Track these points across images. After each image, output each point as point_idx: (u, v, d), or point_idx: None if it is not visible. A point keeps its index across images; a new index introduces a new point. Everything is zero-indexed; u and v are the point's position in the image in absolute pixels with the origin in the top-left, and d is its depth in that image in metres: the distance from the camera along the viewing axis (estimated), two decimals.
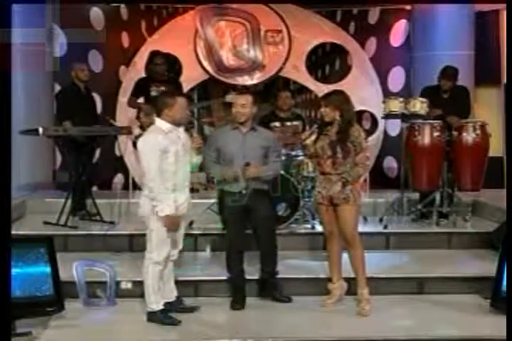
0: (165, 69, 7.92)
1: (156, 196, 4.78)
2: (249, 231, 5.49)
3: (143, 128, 7.68)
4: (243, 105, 5.26)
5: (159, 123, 4.92)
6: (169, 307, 5.04)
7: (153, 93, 7.62)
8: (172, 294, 5.14)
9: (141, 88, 7.89)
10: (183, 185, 4.97)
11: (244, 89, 7.01)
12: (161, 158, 4.79)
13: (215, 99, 9.78)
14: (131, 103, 8.01)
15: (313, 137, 5.15)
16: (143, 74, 8.80)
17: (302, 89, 9.92)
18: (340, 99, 5.15)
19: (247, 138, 5.32)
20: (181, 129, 5.01)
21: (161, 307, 4.97)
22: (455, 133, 6.91)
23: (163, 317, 4.94)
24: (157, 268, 4.92)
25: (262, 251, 5.44)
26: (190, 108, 7.87)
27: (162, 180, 4.80)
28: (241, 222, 5.37)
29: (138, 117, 7.91)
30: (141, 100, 7.92)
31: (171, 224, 4.84)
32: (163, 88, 7.65)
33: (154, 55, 8.08)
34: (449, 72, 7.10)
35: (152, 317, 4.96)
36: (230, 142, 5.31)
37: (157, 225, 4.86)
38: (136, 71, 8.93)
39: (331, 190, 5.11)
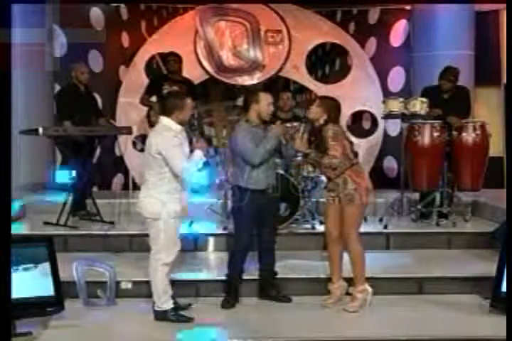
0: (178, 67, 7.93)
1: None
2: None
3: (153, 127, 7.67)
4: (273, 103, 5.29)
5: (169, 123, 4.91)
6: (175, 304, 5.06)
7: (166, 92, 7.62)
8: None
9: (154, 86, 7.90)
10: (187, 185, 5.01)
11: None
12: None
13: (218, 103, 9.79)
14: (144, 101, 8.02)
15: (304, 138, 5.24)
16: (143, 74, 8.82)
17: (302, 89, 9.92)
18: (333, 105, 5.32)
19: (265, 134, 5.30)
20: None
21: (171, 305, 4.99)
22: (455, 133, 6.91)
23: (176, 315, 4.97)
24: (166, 269, 4.93)
25: (263, 249, 5.44)
26: (194, 111, 7.93)
27: (174, 180, 4.85)
28: (253, 221, 5.34)
29: (148, 116, 7.93)
30: (153, 98, 7.93)
31: None
32: (175, 87, 7.65)
33: (168, 54, 8.12)
34: (450, 73, 7.09)
35: (162, 315, 4.97)
36: (256, 140, 5.24)
37: (166, 226, 4.86)
38: (136, 71, 8.94)
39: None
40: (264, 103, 5.22)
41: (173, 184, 4.87)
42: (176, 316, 4.97)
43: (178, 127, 4.92)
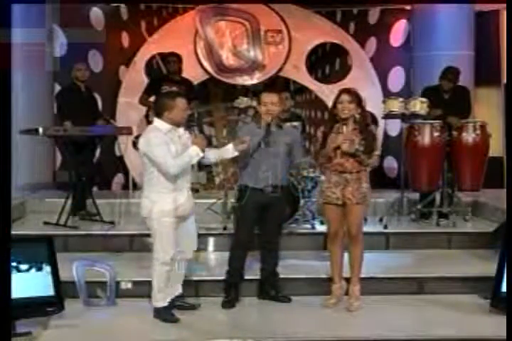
0: (178, 68, 7.93)
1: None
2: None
3: None
4: (273, 103, 5.23)
5: (158, 123, 4.92)
6: (171, 303, 5.06)
7: (165, 92, 7.61)
8: (176, 291, 5.13)
9: (153, 86, 7.90)
10: (183, 185, 4.96)
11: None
12: None
13: (218, 103, 9.79)
14: (143, 101, 8.03)
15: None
16: (143, 75, 8.82)
17: (302, 89, 9.92)
18: (360, 97, 5.11)
19: (273, 135, 5.25)
20: (181, 129, 5.00)
21: (165, 304, 5.00)
22: (455, 133, 6.91)
23: (166, 314, 4.98)
24: (164, 268, 4.92)
25: (266, 248, 5.43)
26: (194, 111, 7.93)
27: (162, 179, 4.83)
28: (254, 220, 5.33)
29: (147, 116, 7.92)
30: (152, 98, 7.94)
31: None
32: (174, 88, 7.65)
33: (168, 54, 8.12)
34: (451, 73, 7.09)
35: (157, 313, 5.00)
36: (256, 140, 5.19)
37: (159, 225, 4.86)
38: (136, 71, 8.94)
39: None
40: (265, 104, 5.22)
41: (162, 183, 4.84)
42: (166, 315, 4.97)
43: (167, 127, 4.87)
